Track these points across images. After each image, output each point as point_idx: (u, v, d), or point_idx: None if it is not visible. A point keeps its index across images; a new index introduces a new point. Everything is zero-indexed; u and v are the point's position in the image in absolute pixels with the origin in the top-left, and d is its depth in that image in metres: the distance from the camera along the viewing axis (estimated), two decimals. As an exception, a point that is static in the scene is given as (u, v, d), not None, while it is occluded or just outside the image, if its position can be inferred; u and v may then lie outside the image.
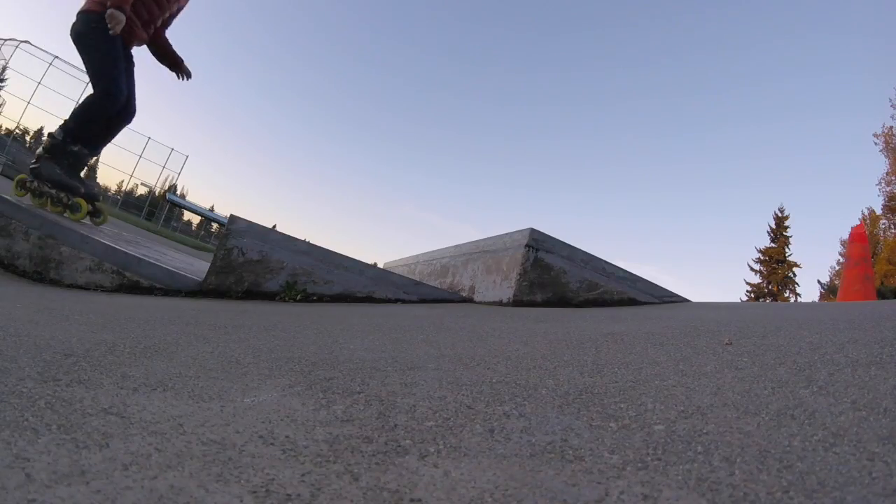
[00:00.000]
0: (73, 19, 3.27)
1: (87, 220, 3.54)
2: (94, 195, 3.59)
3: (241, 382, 1.01)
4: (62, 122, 3.34)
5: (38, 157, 3.32)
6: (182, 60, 3.81)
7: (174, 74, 3.84)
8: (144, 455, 0.63)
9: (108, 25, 3.09)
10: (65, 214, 3.37)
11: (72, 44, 3.26)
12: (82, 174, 3.59)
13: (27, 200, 3.37)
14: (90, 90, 3.26)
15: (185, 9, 3.73)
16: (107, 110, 3.26)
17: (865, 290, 4.92)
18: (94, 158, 3.63)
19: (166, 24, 3.69)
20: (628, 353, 1.32)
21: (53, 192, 3.37)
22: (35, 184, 3.40)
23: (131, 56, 3.52)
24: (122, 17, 3.12)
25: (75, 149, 3.32)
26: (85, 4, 3.28)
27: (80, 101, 3.35)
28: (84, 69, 3.29)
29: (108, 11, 3.08)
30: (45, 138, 3.37)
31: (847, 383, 0.91)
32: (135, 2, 3.27)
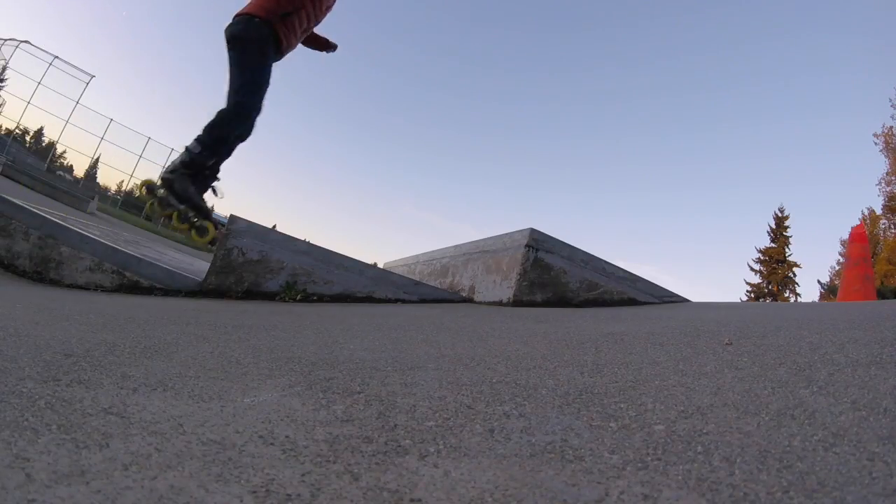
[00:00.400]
0: (230, 20, 3.05)
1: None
2: (209, 213, 3.39)
3: (241, 382, 1.01)
4: (196, 136, 3.11)
5: (174, 169, 3.13)
6: (326, 40, 3.64)
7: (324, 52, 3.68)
8: (144, 455, 0.63)
9: None
10: (184, 231, 3.27)
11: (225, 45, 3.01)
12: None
13: (151, 209, 3.30)
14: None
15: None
16: (237, 125, 3.06)
17: (865, 290, 4.92)
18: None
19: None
20: (628, 353, 1.32)
21: (182, 207, 3.21)
22: (163, 192, 3.24)
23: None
24: None
25: (210, 163, 3.15)
26: (248, 6, 3.05)
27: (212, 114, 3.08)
28: (229, 74, 3.04)
29: None
30: (180, 152, 3.13)
31: (847, 383, 0.91)
32: (296, 15, 3.12)
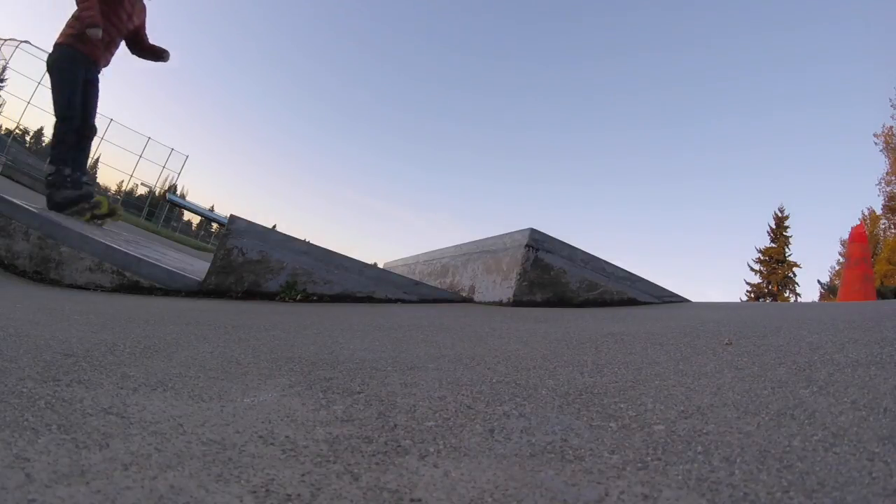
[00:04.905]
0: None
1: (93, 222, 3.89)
2: (90, 194, 3.96)
3: (241, 382, 1.01)
4: (48, 159, 3.77)
5: (49, 196, 3.71)
6: (160, 49, 4.23)
7: (161, 62, 4.30)
8: (144, 455, 0.63)
9: (90, 36, 3.55)
10: (90, 215, 3.79)
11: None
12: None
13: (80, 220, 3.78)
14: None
15: (146, 23, 4.14)
16: (65, 131, 3.68)
17: (865, 290, 4.92)
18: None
19: (138, 41, 4.15)
20: (628, 353, 1.32)
21: (77, 208, 3.76)
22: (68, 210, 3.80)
23: (97, 80, 3.91)
24: (99, 31, 3.53)
25: (67, 171, 3.76)
26: (58, 37, 3.67)
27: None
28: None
29: (88, 31, 3.52)
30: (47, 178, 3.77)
31: (847, 383, 0.91)
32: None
